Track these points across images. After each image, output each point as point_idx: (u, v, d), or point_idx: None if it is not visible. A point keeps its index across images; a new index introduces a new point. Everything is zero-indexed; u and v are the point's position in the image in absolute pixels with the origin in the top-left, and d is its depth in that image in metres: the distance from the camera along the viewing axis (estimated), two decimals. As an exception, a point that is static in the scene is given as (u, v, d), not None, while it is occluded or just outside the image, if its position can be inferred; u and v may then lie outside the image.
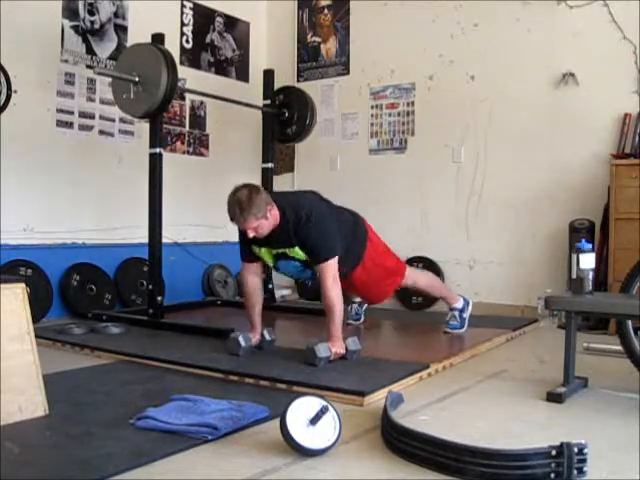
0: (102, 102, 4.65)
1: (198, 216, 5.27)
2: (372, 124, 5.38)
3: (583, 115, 4.42)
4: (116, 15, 4.75)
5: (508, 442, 1.92)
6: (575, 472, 1.60)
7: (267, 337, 3.16)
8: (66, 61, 4.45)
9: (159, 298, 3.90)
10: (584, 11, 4.43)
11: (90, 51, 4.59)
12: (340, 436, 1.86)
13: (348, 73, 5.51)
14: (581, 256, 2.55)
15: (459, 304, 3.72)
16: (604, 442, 1.94)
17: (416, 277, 3.69)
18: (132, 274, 4.76)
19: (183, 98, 5.23)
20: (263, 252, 3.08)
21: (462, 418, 2.23)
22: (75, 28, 4.50)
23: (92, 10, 4.59)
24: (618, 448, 1.91)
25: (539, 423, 2.17)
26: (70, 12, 4.46)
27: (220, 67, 5.59)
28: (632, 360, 2.62)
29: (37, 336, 2.21)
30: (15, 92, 4.08)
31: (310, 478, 1.68)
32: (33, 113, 4.24)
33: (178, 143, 5.22)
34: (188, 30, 5.30)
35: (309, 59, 5.73)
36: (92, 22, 4.60)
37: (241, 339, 2.99)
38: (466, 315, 3.72)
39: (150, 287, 3.95)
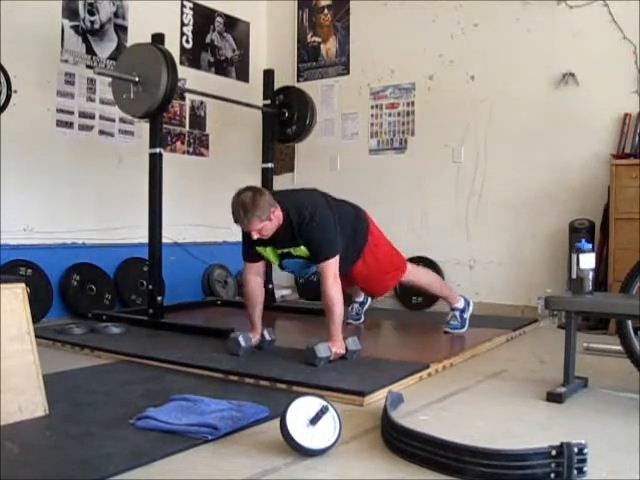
0: (102, 102, 4.65)
1: (198, 216, 5.27)
2: (372, 124, 5.37)
3: (583, 115, 4.42)
4: (116, 15, 4.75)
5: (508, 442, 1.92)
6: (575, 472, 1.60)
7: (267, 337, 3.16)
8: (66, 61, 4.45)
9: (159, 298, 3.90)
10: (584, 11, 4.43)
11: (90, 51, 4.59)
12: (340, 436, 1.86)
13: (348, 73, 5.51)
14: (581, 256, 2.55)
15: (460, 304, 3.72)
16: (604, 442, 1.94)
17: (418, 274, 3.70)
18: (132, 274, 4.76)
19: (183, 98, 5.23)
20: (268, 252, 3.10)
21: (462, 418, 2.23)
22: (75, 28, 4.50)
23: (92, 10, 4.59)
24: (618, 448, 1.91)
25: (539, 423, 2.17)
26: (70, 12, 4.46)
27: (220, 67, 5.59)
28: (632, 360, 2.62)
29: (37, 336, 2.21)
30: (15, 92, 4.08)
31: (310, 478, 1.68)
32: (33, 113, 4.24)
33: (178, 143, 5.22)
34: (188, 30, 5.30)
35: (309, 59, 5.73)
36: (92, 22, 4.60)
37: (241, 339, 2.99)
38: (467, 315, 3.72)
39: (150, 287, 3.95)
